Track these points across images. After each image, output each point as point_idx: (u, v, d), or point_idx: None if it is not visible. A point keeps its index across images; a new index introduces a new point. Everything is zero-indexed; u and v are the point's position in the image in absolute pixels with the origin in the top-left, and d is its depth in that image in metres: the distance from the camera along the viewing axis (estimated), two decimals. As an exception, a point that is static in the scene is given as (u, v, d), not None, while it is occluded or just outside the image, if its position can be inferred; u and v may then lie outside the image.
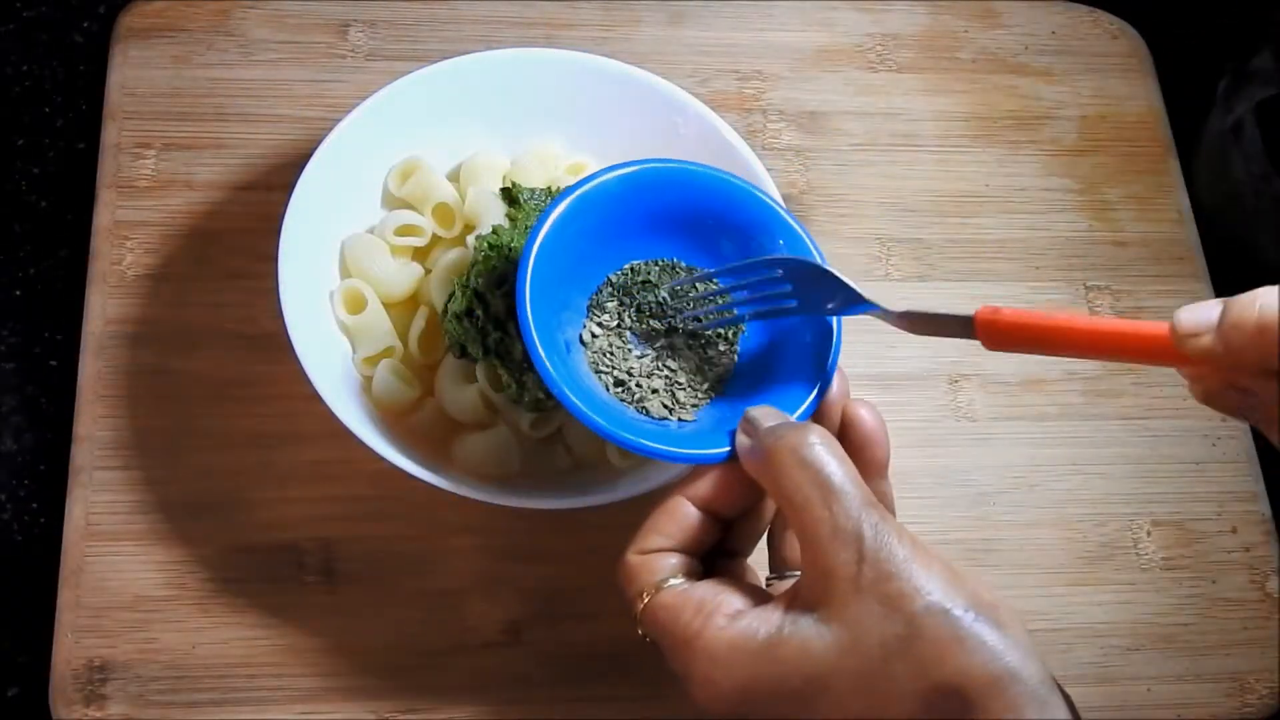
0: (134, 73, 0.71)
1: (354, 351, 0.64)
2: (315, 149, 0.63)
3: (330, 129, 0.63)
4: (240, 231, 0.68)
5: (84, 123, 0.73)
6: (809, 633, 0.46)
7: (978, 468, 0.70)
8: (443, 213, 0.66)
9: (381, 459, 0.57)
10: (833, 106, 0.78)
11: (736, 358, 0.59)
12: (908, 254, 0.74)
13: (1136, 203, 0.78)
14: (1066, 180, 0.78)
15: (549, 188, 0.65)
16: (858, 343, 0.72)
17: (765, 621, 0.47)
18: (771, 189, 0.65)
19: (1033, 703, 0.43)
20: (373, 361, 0.63)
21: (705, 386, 0.58)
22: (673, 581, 0.50)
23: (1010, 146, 0.78)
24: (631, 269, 0.59)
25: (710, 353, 0.59)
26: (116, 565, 0.62)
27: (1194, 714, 0.67)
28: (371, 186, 0.67)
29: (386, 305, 0.64)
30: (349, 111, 0.64)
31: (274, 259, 0.60)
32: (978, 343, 0.52)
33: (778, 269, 0.56)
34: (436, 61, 0.65)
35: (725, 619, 0.48)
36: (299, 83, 0.73)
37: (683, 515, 0.52)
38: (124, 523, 0.62)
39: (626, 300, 0.59)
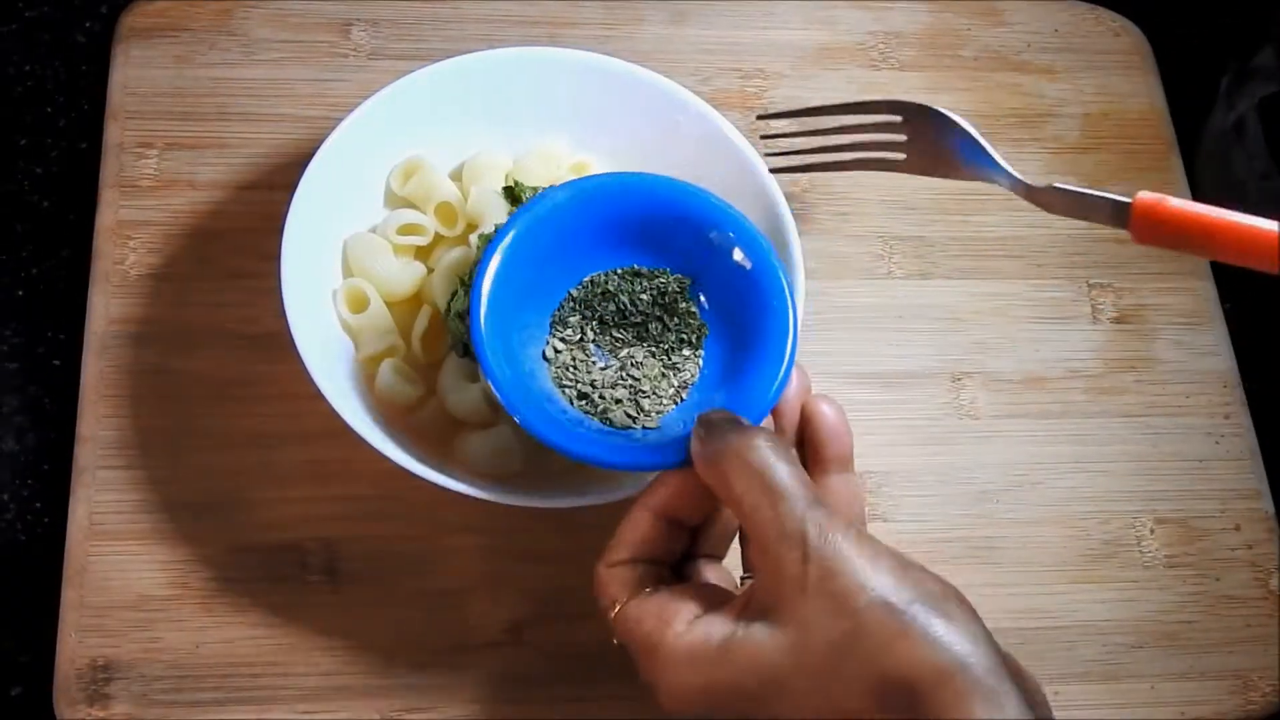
0: (136, 72, 0.71)
1: (356, 351, 0.64)
2: (318, 148, 0.63)
3: (333, 128, 0.63)
4: (243, 231, 0.68)
5: (86, 122, 0.73)
6: (760, 635, 0.46)
7: (980, 466, 0.70)
8: (445, 212, 0.66)
9: (384, 458, 0.57)
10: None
11: (701, 364, 0.59)
12: (910, 252, 0.74)
13: (1139, 200, 0.78)
14: (1069, 178, 0.77)
15: (551, 187, 0.65)
16: (859, 342, 0.72)
17: (719, 626, 0.47)
18: (774, 187, 0.65)
19: (978, 692, 0.42)
20: (375, 361, 0.63)
21: (670, 393, 0.58)
22: (623, 597, 0.51)
23: (1013, 144, 0.78)
24: (591, 281, 0.59)
25: (674, 359, 0.59)
26: (120, 565, 0.62)
27: (1197, 712, 0.67)
28: (374, 186, 0.67)
29: (389, 304, 0.65)
30: (351, 111, 0.64)
31: (276, 258, 0.60)
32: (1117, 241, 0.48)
33: (896, 114, 0.54)
34: (439, 60, 0.65)
35: (683, 625, 0.48)
36: (301, 82, 0.73)
37: (643, 525, 0.52)
38: (127, 522, 0.62)
39: (588, 313, 0.59)
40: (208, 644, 0.61)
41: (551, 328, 0.59)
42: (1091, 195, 0.51)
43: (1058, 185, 0.51)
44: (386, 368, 0.62)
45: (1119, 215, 0.50)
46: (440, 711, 0.61)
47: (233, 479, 0.64)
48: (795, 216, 0.65)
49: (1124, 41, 0.82)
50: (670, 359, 0.59)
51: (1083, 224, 0.76)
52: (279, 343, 0.59)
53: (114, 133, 0.70)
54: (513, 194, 0.64)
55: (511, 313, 0.56)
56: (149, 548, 0.62)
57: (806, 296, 0.63)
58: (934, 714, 0.42)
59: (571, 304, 0.59)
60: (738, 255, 0.58)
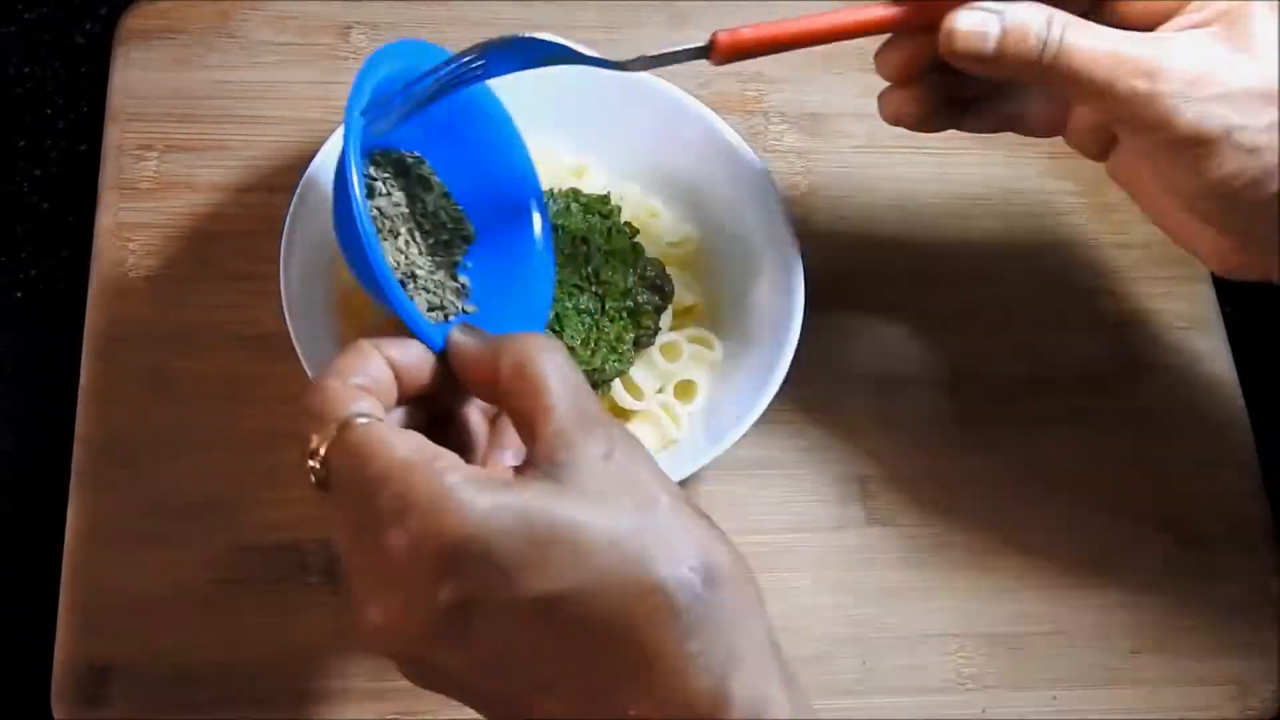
0: (136, 74, 0.71)
1: (356, 353, 0.64)
2: (317, 151, 0.63)
3: (332, 131, 0.63)
4: (242, 233, 0.68)
5: (86, 124, 0.73)
6: (554, 493, 0.42)
7: (980, 470, 0.70)
8: (445, 214, 0.66)
9: (384, 460, 0.57)
10: (834, 108, 0.78)
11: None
12: (910, 255, 0.74)
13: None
14: (1067, 182, 0.78)
15: (551, 190, 0.65)
16: (860, 345, 0.72)
17: (489, 475, 0.43)
18: (774, 190, 0.65)
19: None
20: (375, 363, 0.63)
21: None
22: (363, 420, 0.44)
23: (1011, 148, 0.78)
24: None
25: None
26: (118, 566, 0.62)
27: (1197, 716, 0.67)
28: (374, 188, 0.67)
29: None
30: (351, 113, 0.64)
31: (276, 260, 0.60)
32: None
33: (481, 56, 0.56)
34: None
35: (447, 464, 0.43)
36: (301, 84, 0.73)
37: (376, 364, 0.47)
38: (126, 523, 0.62)
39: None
40: (206, 645, 0.61)
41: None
42: (674, 51, 0.56)
43: (646, 55, 0.56)
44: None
45: (702, 52, 0.55)
46: (439, 714, 0.61)
47: (232, 480, 0.64)
48: (794, 219, 0.65)
49: (1123, 46, 0.82)
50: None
51: (1082, 228, 0.77)
52: (279, 344, 0.59)
53: (114, 135, 0.70)
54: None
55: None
56: (148, 549, 0.62)
57: (805, 300, 0.63)
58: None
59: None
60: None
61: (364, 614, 0.44)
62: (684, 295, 0.66)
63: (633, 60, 0.56)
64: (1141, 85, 0.50)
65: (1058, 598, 0.68)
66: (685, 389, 0.65)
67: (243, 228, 0.68)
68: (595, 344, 0.61)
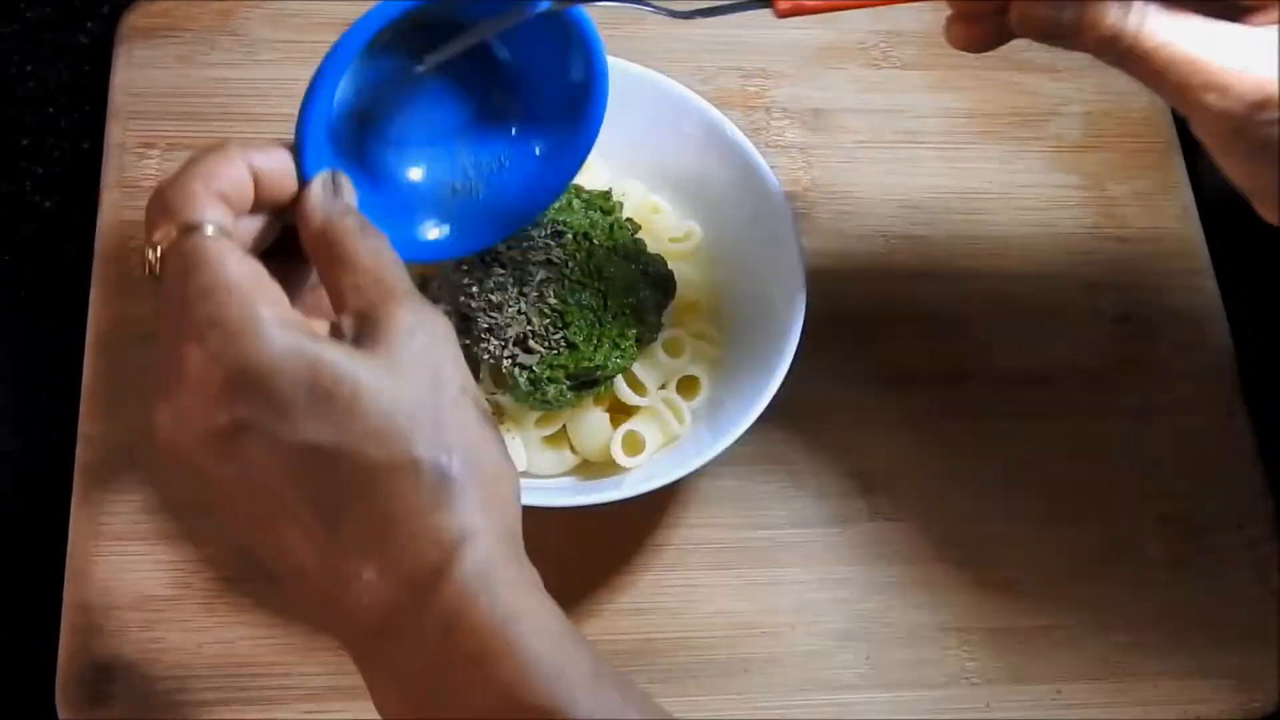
0: (138, 72, 0.71)
1: (359, 350, 0.64)
2: (319, 148, 0.63)
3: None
4: (244, 231, 0.68)
5: (88, 123, 0.73)
6: (352, 354, 0.43)
7: (982, 465, 0.70)
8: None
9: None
10: (837, 104, 0.78)
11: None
12: (912, 251, 0.74)
13: (1141, 199, 0.78)
14: (1071, 176, 0.77)
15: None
16: (861, 341, 0.72)
17: (304, 323, 0.44)
18: (775, 186, 0.65)
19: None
20: (377, 360, 0.63)
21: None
22: (210, 230, 0.44)
23: (1015, 143, 0.78)
24: None
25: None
26: (122, 565, 0.62)
27: (1199, 710, 0.66)
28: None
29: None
30: (353, 110, 0.64)
31: (278, 258, 0.60)
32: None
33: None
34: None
35: (270, 299, 0.43)
36: (303, 82, 0.72)
37: (239, 169, 0.46)
38: (129, 522, 0.63)
39: None
40: (210, 644, 0.61)
41: None
42: (728, 5, 0.55)
43: (699, 8, 0.55)
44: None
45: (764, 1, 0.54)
46: (443, 711, 0.61)
47: (235, 479, 0.64)
48: (797, 215, 0.65)
49: (1125, 40, 0.82)
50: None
51: (1086, 223, 0.77)
52: (281, 342, 0.59)
53: (116, 133, 0.70)
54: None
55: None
56: (151, 548, 0.62)
57: (808, 295, 0.63)
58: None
59: None
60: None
61: (154, 411, 0.45)
62: (686, 291, 0.66)
63: (692, 10, 0.55)
64: (1211, 99, 0.49)
65: (1060, 592, 0.68)
66: (688, 385, 0.65)
67: (245, 226, 0.68)
68: (598, 340, 0.61)
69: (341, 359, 0.43)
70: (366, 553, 0.42)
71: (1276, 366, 0.76)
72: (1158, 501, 0.70)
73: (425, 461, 0.43)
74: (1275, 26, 0.49)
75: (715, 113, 0.67)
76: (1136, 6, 0.49)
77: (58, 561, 0.62)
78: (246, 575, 0.62)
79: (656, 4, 0.56)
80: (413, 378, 0.44)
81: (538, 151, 0.57)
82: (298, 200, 0.47)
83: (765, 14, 0.78)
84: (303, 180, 0.47)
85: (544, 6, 0.52)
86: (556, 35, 0.55)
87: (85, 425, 0.64)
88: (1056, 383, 0.72)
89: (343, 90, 0.53)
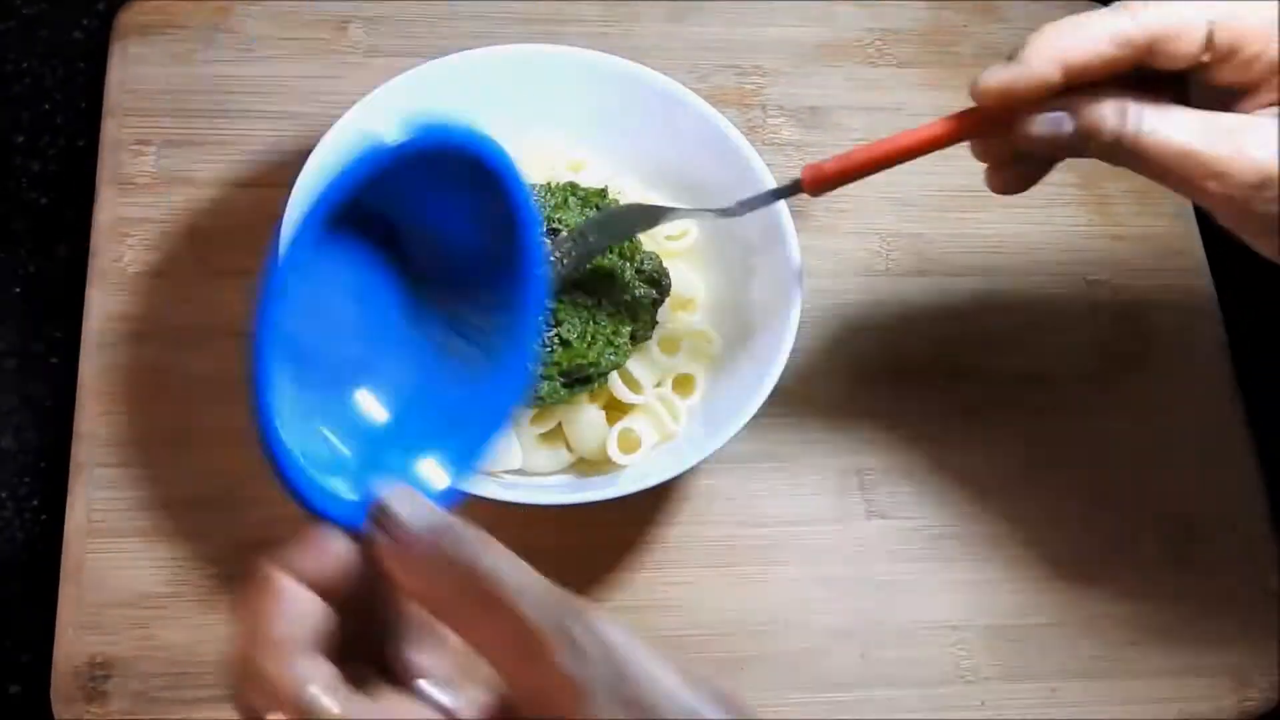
0: (134, 69, 0.71)
1: (354, 348, 0.64)
2: (315, 145, 0.63)
3: (330, 125, 0.63)
4: (240, 228, 0.68)
5: (84, 120, 0.73)
6: None
7: (977, 463, 0.70)
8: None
9: (382, 455, 0.57)
10: (833, 102, 0.78)
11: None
12: (907, 249, 0.74)
13: (1136, 197, 0.78)
14: (1066, 175, 0.77)
15: (549, 184, 0.65)
16: (856, 339, 0.72)
17: None
18: (771, 184, 0.65)
19: None
20: (373, 358, 0.63)
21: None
22: (325, 700, 0.37)
23: (1010, 141, 0.78)
24: None
25: None
26: (118, 562, 0.62)
27: (1196, 709, 0.67)
28: (371, 183, 0.67)
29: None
30: (349, 108, 0.64)
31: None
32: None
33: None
34: (436, 58, 0.65)
35: None
36: (299, 79, 0.73)
37: (304, 606, 0.39)
38: (125, 520, 0.62)
39: None
40: (206, 641, 0.61)
41: None
42: (767, 194, 0.61)
43: (740, 201, 0.61)
44: (384, 365, 0.62)
45: (795, 189, 0.59)
46: (438, 708, 0.61)
47: (231, 476, 0.64)
48: (793, 214, 0.65)
49: (1122, 38, 0.82)
50: None
51: (1081, 221, 0.77)
52: (277, 340, 0.59)
53: (111, 130, 0.70)
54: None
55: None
56: (147, 545, 0.62)
57: (804, 294, 0.63)
58: None
59: None
60: None
61: None
62: (682, 289, 0.66)
63: (731, 207, 0.60)
64: (1213, 186, 0.51)
65: (1057, 590, 0.68)
66: (683, 383, 0.65)
67: (240, 223, 0.68)
68: (592, 338, 0.61)
69: None
70: None
71: (1272, 365, 0.76)
72: (1154, 500, 0.70)
73: None
74: (1266, 110, 0.51)
75: (711, 110, 0.67)
76: (1132, 109, 0.51)
77: (53, 559, 0.62)
78: (242, 573, 0.62)
79: (709, 209, 0.60)
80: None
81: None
82: (378, 550, 0.39)
83: (761, 11, 0.79)
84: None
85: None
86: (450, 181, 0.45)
87: (81, 422, 0.64)
88: (1052, 381, 0.72)
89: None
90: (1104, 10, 0.52)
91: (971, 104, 0.54)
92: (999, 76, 0.52)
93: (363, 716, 0.37)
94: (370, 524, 0.39)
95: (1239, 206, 0.51)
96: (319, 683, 0.37)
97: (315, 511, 0.41)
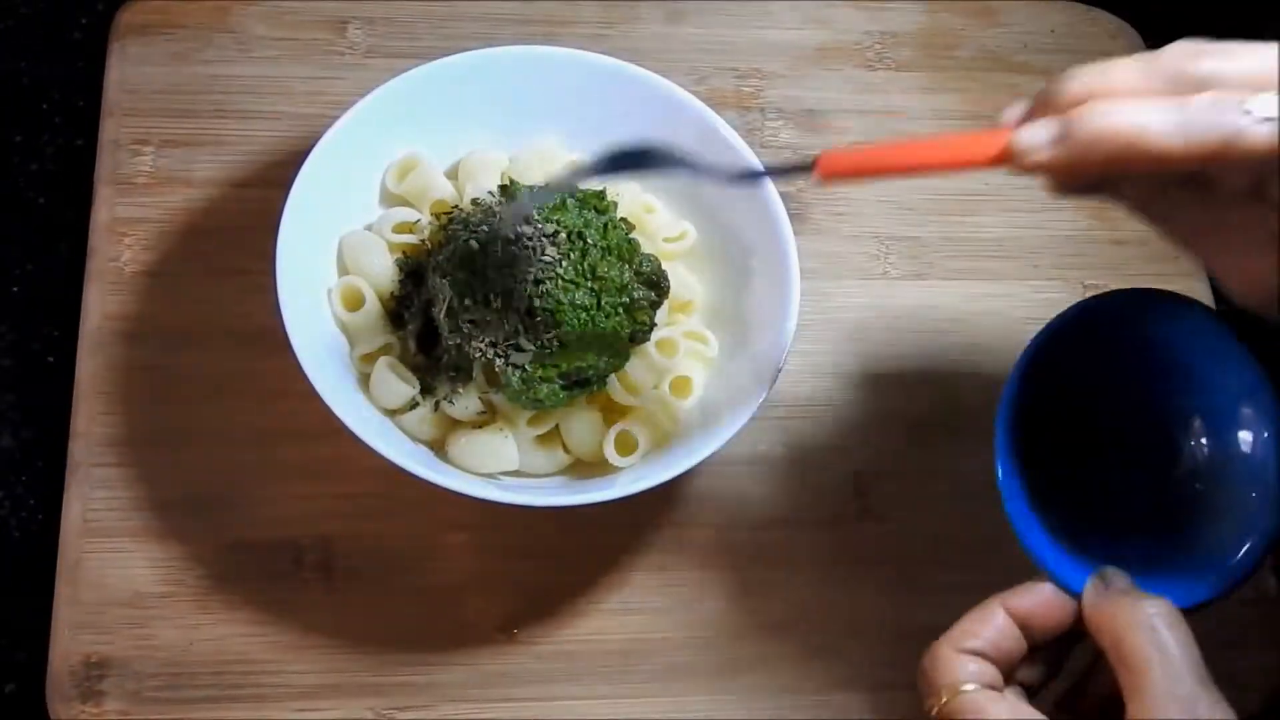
0: (132, 69, 0.71)
1: (352, 348, 0.64)
2: (313, 146, 0.63)
3: (329, 126, 0.63)
4: (238, 228, 0.68)
5: (82, 119, 0.73)
6: None
7: (975, 465, 0.70)
8: (441, 210, 0.66)
9: (379, 456, 0.57)
10: (831, 104, 0.78)
11: None
12: (906, 252, 0.74)
13: (1135, 201, 0.78)
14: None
15: (547, 184, 0.65)
16: (854, 341, 0.72)
17: None
18: (769, 187, 0.65)
19: None
20: (370, 359, 0.63)
21: None
22: (969, 686, 0.50)
23: (1009, 145, 0.78)
24: None
25: None
26: (114, 561, 0.62)
27: (1191, 712, 0.67)
28: (370, 183, 0.67)
29: (384, 302, 0.65)
30: (347, 108, 0.64)
31: (271, 256, 0.60)
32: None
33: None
34: (435, 59, 0.65)
35: None
36: (298, 79, 0.73)
37: (998, 621, 0.52)
38: (121, 519, 0.62)
39: None
40: (201, 641, 0.61)
41: None
42: (780, 167, 0.59)
43: (751, 169, 0.60)
44: (382, 366, 0.62)
45: (807, 167, 0.53)
46: (434, 709, 0.61)
47: (227, 476, 0.64)
48: (791, 216, 0.65)
49: (1121, 43, 0.82)
50: None
51: (1079, 225, 0.77)
52: (274, 340, 0.59)
53: (110, 130, 0.70)
54: (508, 192, 0.64)
55: None
56: (143, 545, 0.62)
57: (802, 297, 0.63)
58: None
59: None
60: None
61: None
62: (680, 291, 0.66)
63: (738, 174, 0.60)
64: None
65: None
66: (681, 385, 0.65)
67: (239, 223, 0.68)
68: (590, 340, 0.61)
69: None
70: None
71: (1269, 367, 0.76)
72: (1150, 503, 0.70)
73: None
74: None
75: (710, 113, 0.67)
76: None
77: (49, 558, 0.62)
78: (238, 573, 0.62)
79: (717, 174, 0.58)
80: None
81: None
82: (1084, 604, 0.51)
83: (760, 13, 0.79)
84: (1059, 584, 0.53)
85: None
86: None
87: (78, 422, 0.64)
88: (1049, 384, 0.72)
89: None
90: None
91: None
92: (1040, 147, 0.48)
93: (985, 704, 0.48)
94: (1094, 580, 0.51)
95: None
96: (978, 682, 0.49)
97: (1042, 565, 0.55)
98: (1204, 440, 0.60)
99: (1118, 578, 0.51)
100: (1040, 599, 0.52)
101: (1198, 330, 0.59)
